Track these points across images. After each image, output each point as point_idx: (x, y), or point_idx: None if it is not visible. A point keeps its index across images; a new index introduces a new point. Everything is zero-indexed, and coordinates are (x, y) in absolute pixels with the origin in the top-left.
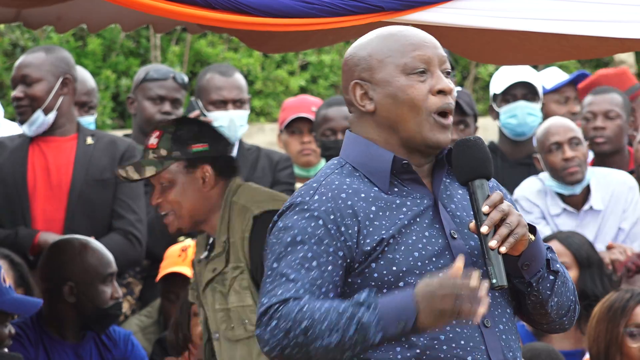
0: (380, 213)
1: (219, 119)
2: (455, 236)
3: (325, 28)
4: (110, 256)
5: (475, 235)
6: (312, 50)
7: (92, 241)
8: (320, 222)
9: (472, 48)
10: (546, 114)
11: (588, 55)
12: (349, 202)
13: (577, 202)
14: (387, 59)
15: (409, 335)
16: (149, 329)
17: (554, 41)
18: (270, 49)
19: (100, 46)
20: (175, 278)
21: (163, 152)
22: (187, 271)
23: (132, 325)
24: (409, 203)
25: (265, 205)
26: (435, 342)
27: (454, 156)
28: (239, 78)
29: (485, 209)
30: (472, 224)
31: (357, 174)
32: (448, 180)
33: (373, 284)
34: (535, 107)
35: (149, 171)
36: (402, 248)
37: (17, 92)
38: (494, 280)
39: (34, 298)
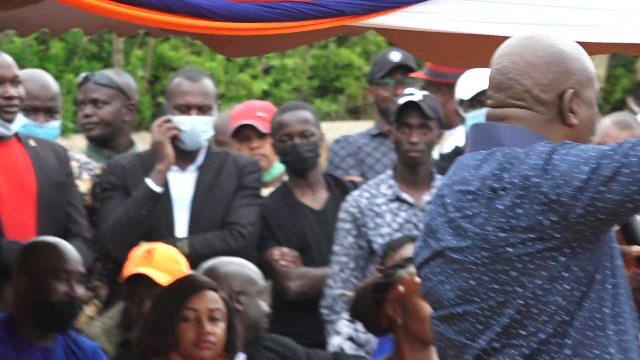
0: None
1: (182, 124)
2: None
3: (286, 32)
4: (70, 254)
5: None
6: (275, 54)
7: (59, 240)
8: None
9: (434, 51)
10: None
11: None
12: None
13: None
14: (592, 81)
15: None
16: (112, 332)
17: None
18: (232, 53)
19: (63, 50)
20: (140, 280)
21: None
22: (153, 273)
23: (95, 328)
24: None
25: None
26: None
27: None
28: (207, 84)
29: None
30: None
31: None
32: None
33: None
34: None
35: None
36: None
37: None
38: None
39: None
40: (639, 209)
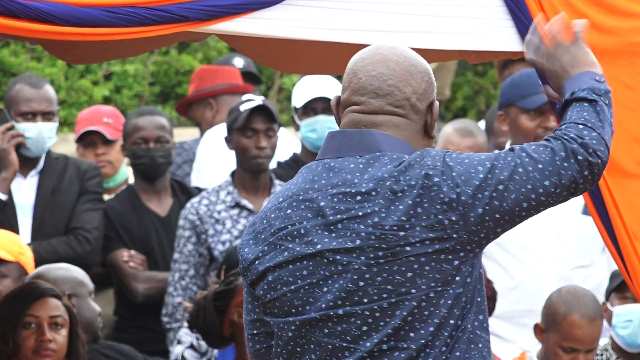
0: None
1: (27, 130)
2: None
3: (129, 38)
4: None
5: None
6: (116, 60)
7: None
8: None
9: (276, 58)
10: None
11: None
12: None
13: None
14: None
15: None
16: None
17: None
18: (74, 59)
19: None
20: None
21: None
22: (4, 253)
23: None
24: None
25: None
26: None
27: None
28: (49, 90)
29: None
30: None
31: None
32: None
33: None
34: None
35: None
36: None
37: None
38: None
39: None
40: (532, 210)
